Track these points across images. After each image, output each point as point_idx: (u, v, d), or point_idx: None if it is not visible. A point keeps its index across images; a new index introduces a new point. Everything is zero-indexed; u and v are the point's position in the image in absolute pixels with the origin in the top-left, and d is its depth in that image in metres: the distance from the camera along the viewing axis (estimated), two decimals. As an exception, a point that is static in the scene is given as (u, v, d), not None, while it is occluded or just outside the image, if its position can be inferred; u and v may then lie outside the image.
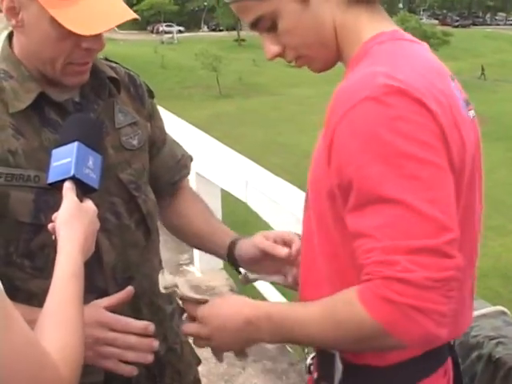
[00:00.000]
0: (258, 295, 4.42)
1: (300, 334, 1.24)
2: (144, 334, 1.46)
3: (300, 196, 3.30)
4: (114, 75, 1.67)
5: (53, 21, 1.41)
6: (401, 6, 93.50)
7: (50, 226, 1.37)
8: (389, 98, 1.14)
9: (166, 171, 1.84)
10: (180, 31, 74.40)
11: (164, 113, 6.69)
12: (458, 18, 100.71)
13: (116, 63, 1.75)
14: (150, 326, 1.47)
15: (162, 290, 1.47)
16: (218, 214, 5.10)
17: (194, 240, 1.91)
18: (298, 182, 3.52)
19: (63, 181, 1.40)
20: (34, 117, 1.52)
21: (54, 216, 1.36)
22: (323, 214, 1.30)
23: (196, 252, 5.08)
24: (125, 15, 1.47)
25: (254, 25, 1.35)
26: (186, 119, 5.95)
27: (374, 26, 1.32)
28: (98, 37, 1.47)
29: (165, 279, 1.48)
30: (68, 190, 1.38)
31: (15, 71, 1.53)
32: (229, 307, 1.35)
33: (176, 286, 1.45)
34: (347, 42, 1.33)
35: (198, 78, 33.51)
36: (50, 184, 1.42)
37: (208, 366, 1.91)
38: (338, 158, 1.19)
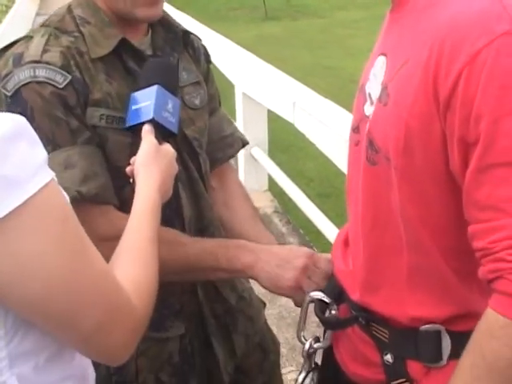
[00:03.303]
0: (304, 219, 4.45)
1: None
2: None
3: (348, 118, 3.26)
4: (187, 30, 1.67)
5: None
6: None
7: (128, 169, 1.36)
8: None
9: (208, 143, 1.74)
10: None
11: (211, 34, 6.62)
12: None
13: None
14: None
15: None
16: (264, 134, 5.11)
17: (232, 236, 1.75)
18: (343, 105, 3.48)
19: (142, 124, 1.38)
20: (117, 63, 1.51)
21: (133, 160, 1.35)
22: (415, 168, 1.09)
23: (241, 173, 5.12)
24: None
25: None
26: (232, 41, 5.90)
27: None
28: None
29: None
30: (147, 132, 1.37)
31: (92, 17, 1.51)
32: None
33: None
34: None
35: (245, -2, 32.92)
36: (129, 127, 1.41)
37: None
38: (468, 106, 0.98)
